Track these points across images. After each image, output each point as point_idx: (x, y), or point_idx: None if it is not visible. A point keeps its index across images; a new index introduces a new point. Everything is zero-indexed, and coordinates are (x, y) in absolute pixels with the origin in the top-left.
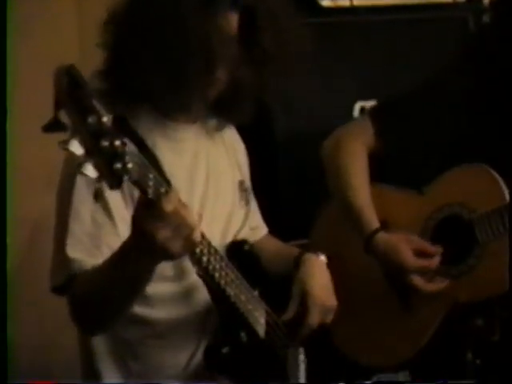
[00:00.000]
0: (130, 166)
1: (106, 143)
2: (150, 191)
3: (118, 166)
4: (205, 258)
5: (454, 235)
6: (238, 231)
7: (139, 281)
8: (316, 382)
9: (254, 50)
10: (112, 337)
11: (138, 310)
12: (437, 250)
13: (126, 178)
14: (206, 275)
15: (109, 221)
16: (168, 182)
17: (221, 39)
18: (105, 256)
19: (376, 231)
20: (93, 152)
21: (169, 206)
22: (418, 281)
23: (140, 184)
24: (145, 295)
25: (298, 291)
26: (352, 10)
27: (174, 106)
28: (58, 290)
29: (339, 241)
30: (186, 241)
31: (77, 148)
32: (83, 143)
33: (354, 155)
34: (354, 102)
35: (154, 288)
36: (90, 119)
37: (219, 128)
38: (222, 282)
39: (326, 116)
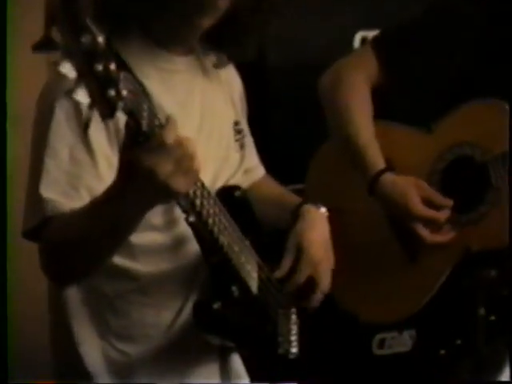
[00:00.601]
0: (124, 93)
1: (99, 67)
2: (144, 123)
3: (112, 92)
4: (198, 201)
5: (465, 178)
6: (231, 176)
7: (126, 228)
8: (312, 343)
9: None
10: (89, 290)
11: (120, 261)
12: (447, 202)
13: (120, 106)
14: (199, 221)
15: (89, 159)
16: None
17: None
18: (83, 199)
19: (382, 171)
20: (85, 75)
21: (169, 136)
22: (423, 231)
23: (134, 115)
24: (128, 245)
25: (293, 246)
26: None
27: (162, 31)
28: (29, 234)
29: (339, 185)
30: (188, 175)
31: (69, 70)
32: (75, 65)
33: (356, 90)
34: (355, 31)
35: (139, 238)
36: (84, 39)
37: (219, 65)
38: (215, 229)
39: (323, 48)
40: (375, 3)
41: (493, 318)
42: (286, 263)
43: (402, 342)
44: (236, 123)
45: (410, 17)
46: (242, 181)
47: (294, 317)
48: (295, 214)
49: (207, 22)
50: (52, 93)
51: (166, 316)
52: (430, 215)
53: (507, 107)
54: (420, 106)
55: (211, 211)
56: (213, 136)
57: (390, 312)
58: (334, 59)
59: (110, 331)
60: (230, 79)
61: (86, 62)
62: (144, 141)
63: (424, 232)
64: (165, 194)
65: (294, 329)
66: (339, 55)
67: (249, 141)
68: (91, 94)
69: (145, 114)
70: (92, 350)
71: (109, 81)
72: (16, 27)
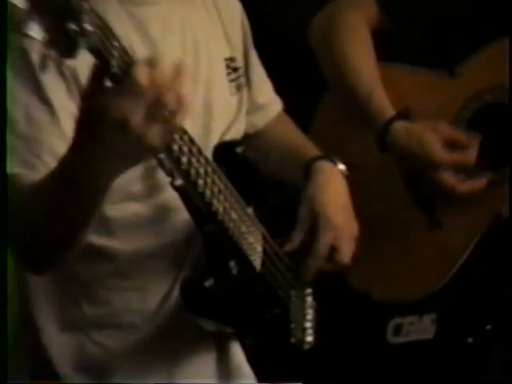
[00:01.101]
0: (87, 27)
1: None
2: (114, 63)
3: (72, 25)
4: (185, 159)
5: (495, 129)
6: (228, 127)
7: (96, 196)
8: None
9: None
10: (58, 277)
11: (94, 239)
12: (474, 139)
13: (82, 42)
14: (187, 184)
15: (49, 117)
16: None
17: None
18: (48, 166)
19: (392, 119)
20: (41, 6)
21: (143, 76)
22: (449, 178)
23: (101, 53)
24: (103, 219)
25: (307, 212)
26: None
27: None
28: None
29: (345, 145)
30: (168, 124)
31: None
32: None
33: (353, 32)
34: None
35: (116, 210)
36: None
37: None
38: (208, 192)
39: None
40: None
41: None
42: (299, 234)
43: (421, 328)
44: (231, 59)
45: None
46: (247, 125)
47: (309, 299)
48: (308, 172)
49: None
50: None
51: (151, 302)
52: (455, 158)
53: None
54: (440, 48)
55: (201, 171)
56: (199, 78)
57: (408, 290)
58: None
59: (87, 322)
60: (226, 5)
61: None
62: (117, 83)
63: (451, 180)
64: (139, 148)
65: (310, 314)
66: None
67: (257, 73)
68: (47, 28)
69: (115, 53)
70: (62, 347)
71: (68, 12)
72: None
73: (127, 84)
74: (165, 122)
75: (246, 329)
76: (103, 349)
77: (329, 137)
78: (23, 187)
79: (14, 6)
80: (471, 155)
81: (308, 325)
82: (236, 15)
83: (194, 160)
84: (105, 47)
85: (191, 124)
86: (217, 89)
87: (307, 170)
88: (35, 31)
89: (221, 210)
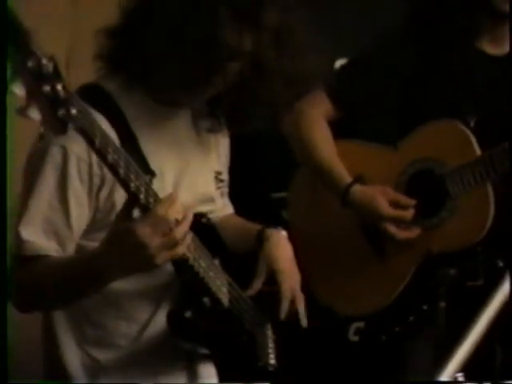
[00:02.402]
0: (73, 112)
1: (47, 87)
2: (142, 196)
3: (61, 111)
4: None
5: (426, 189)
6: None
7: (96, 287)
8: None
9: (269, 68)
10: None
11: None
12: (411, 201)
13: (71, 124)
14: None
15: (63, 208)
16: (144, 159)
17: (226, 49)
18: (52, 244)
19: (350, 184)
20: (36, 95)
21: (166, 212)
22: (392, 228)
23: (86, 133)
24: None
25: (264, 267)
26: None
27: (162, 93)
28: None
29: (315, 197)
30: (174, 251)
31: (19, 90)
32: (25, 86)
33: (314, 123)
34: (335, 59)
35: None
36: (30, 63)
37: (212, 130)
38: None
39: None
40: (353, 35)
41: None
42: (257, 283)
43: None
44: (218, 173)
45: (357, 55)
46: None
47: (269, 332)
48: (260, 238)
49: (203, 97)
50: (46, 141)
51: (135, 327)
52: (397, 214)
53: (461, 126)
54: (387, 128)
55: None
56: (194, 181)
57: (363, 306)
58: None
59: (86, 340)
60: (219, 137)
61: (34, 82)
62: (141, 212)
63: (393, 229)
64: (148, 265)
65: (271, 342)
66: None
67: (226, 187)
68: (42, 113)
69: (142, 188)
70: (72, 354)
71: (58, 100)
72: None
73: (151, 215)
74: (172, 249)
75: (219, 350)
76: (95, 361)
77: (304, 197)
78: (35, 254)
79: (17, 94)
80: (409, 212)
81: (270, 351)
82: (225, 144)
83: None
84: (90, 129)
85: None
86: (208, 192)
87: (260, 236)
88: (34, 113)
89: (191, 258)
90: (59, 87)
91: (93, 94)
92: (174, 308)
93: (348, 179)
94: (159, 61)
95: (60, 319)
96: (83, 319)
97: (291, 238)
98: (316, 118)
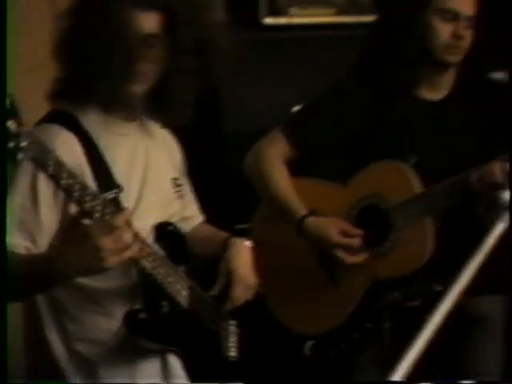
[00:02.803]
0: (23, 144)
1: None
2: (87, 205)
3: (11, 144)
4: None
5: (373, 222)
6: (171, 218)
7: (55, 285)
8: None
9: (176, 48)
10: (52, 300)
11: (79, 279)
12: (358, 231)
13: (21, 155)
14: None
15: (33, 208)
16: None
17: (138, 36)
18: (25, 240)
19: (305, 216)
20: None
21: (121, 223)
22: (342, 254)
23: (38, 162)
24: None
25: (224, 270)
26: (290, 27)
27: (110, 102)
28: None
29: (275, 228)
30: (121, 256)
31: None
32: None
33: (273, 161)
34: (292, 106)
35: None
36: None
37: (163, 126)
38: (143, 261)
39: (269, 118)
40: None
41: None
42: (219, 284)
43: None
44: (175, 179)
45: (311, 101)
46: (183, 225)
47: (232, 328)
48: (225, 245)
49: (139, 89)
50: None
51: (115, 323)
52: (346, 241)
53: (402, 166)
54: (338, 167)
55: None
56: (156, 188)
57: (318, 326)
58: (276, 126)
59: (70, 336)
60: (169, 141)
61: None
62: (89, 219)
63: (343, 255)
64: (98, 267)
65: (233, 337)
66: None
67: (189, 193)
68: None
69: (77, 192)
70: (58, 348)
71: (9, 135)
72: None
73: (105, 224)
74: (121, 255)
75: (181, 347)
76: (78, 355)
77: (265, 227)
78: (14, 254)
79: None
80: (357, 240)
81: (232, 344)
82: (177, 151)
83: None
84: (43, 159)
85: (151, 216)
86: (166, 196)
87: (225, 244)
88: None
89: (149, 267)
90: (10, 123)
91: (60, 117)
92: (129, 310)
93: (303, 212)
94: (89, 64)
95: (47, 317)
96: (64, 315)
97: (254, 263)
98: (274, 157)
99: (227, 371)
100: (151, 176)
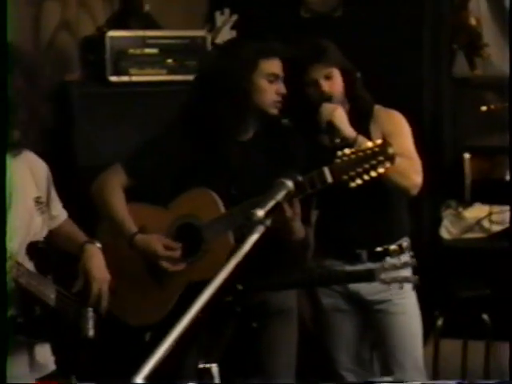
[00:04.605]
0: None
1: None
2: None
3: None
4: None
5: (188, 236)
6: (37, 233)
7: None
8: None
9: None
10: None
11: None
12: (177, 245)
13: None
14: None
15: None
16: None
17: None
18: None
19: (135, 233)
20: None
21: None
22: (165, 264)
23: None
24: None
25: (81, 270)
26: (131, 83)
27: None
28: None
29: (115, 242)
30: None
31: None
32: None
33: (111, 188)
34: (131, 145)
35: None
36: None
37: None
38: (14, 275)
39: (113, 154)
40: (149, 125)
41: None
42: (79, 282)
43: None
44: (38, 198)
45: (147, 140)
46: (50, 224)
47: (90, 314)
48: (81, 249)
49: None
50: None
51: None
52: (169, 254)
53: (210, 192)
54: (164, 193)
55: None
56: (18, 209)
57: (147, 319)
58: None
59: None
60: (34, 162)
61: None
62: None
63: (166, 264)
64: None
65: (91, 320)
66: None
67: (54, 200)
68: None
69: None
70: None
71: None
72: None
73: None
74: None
75: (52, 339)
76: None
77: (106, 240)
78: None
79: None
80: (177, 253)
81: (90, 326)
82: (42, 171)
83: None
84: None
85: (17, 235)
86: (30, 214)
87: (81, 248)
88: None
89: (23, 282)
90: None
91: None
92: (10, 316)
93: (133, 229)
94: None
95: None
96: None
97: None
98: (114, 185)
99: (87, 347)
100: (16, 197)
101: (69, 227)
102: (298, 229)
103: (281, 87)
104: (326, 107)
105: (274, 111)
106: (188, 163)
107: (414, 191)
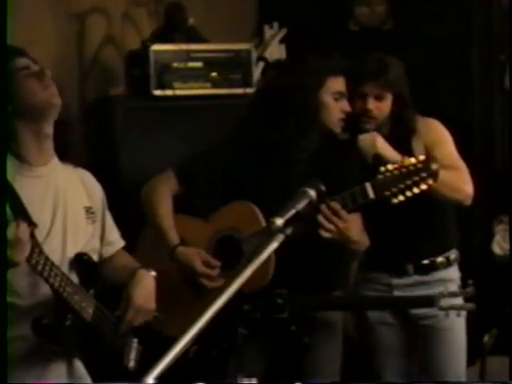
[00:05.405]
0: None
1: None
2: None
3: None
4: (39, 267)
5: (228, 249)
6: (87, 242)
7: None
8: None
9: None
10: None
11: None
12: (217, 263)
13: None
14: (41, 275)
15: None
16: (23, 208)
17: None
18: None
19: (177, 246)
20: None
21: (13, 232)
22: (204, 281)
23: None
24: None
25: (125, 295)
26: (175, 97)
27: (23, 150)
28: None
29: (156, 251)
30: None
31: None
32: None
33: (161, 195)
34: (175, 157)
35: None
36: None
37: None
38: (51, 279)
39: (158, 168)
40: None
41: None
42: (122, 307)
43: None
44: (88, 208)
45: (202, 150)
46: (104, 250)
47: (134, 344)
48: (131, 275)
49: (47, 128)
50: None
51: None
52: (208, 272)
53: (250, 205)
54: (208, 205)
55: (52, 273)
56: (68, 217)
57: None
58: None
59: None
60: (87, 178)
61: None
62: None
63: (205, 281)
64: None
65: (134, 351)
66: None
67: (110, 221)
68: None
69: None
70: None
71: None
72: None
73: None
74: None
75: (82, 352)
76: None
77: (147, 251)
78: None
79: None
80: (215, 271)
81: (132, 357)
82: (94, 185)
83: (41, 262)
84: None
85: (56, 241)
86: (77, 222)
87: (132, 273)
88: None
89: (57, 285)
90: None
91: None
92: (36, 316)
93: (176, 241)
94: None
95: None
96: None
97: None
98: (164, 192)
99: (128, 378)
100: (63, 208)
101: (121, 259)
102: (358, 239)
103: (346, 105)
104: (365, 140)
105: (338, 129)
106: (237, 176)
107: (468, 202)
